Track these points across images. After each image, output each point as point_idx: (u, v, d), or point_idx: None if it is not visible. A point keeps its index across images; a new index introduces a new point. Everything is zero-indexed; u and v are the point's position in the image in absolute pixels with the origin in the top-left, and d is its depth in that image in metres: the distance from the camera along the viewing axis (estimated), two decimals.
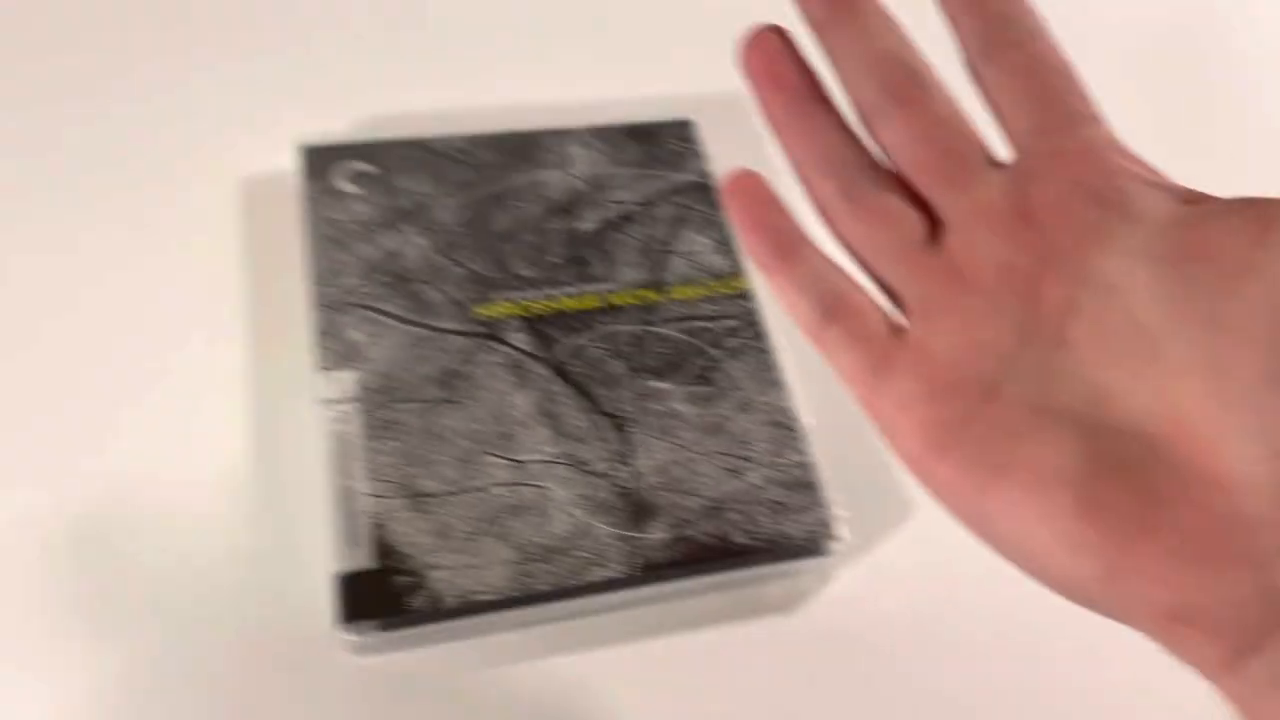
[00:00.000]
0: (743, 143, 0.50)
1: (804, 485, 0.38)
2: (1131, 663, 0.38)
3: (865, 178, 0.25)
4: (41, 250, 0.42)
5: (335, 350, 0.39)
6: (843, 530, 0.37)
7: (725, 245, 0.44)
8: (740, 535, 0.36)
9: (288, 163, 0.45)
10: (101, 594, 0.34)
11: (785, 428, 0.39)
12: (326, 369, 0.38)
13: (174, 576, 0.35)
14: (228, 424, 0.38)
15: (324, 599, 0.34)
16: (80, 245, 0.42)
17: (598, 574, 0.35)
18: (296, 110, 0.47)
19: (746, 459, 0.38)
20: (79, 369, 0.39)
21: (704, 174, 0.46)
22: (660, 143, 0.47)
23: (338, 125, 0.47)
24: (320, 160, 0.44)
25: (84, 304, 0.41)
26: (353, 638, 0.33)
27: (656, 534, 0.36)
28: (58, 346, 0.39)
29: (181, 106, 0.47)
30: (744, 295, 0.43)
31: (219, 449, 0.38)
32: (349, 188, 0.43)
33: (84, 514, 0.36)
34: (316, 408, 0.37)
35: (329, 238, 0.41)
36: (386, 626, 0.33)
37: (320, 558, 0.35)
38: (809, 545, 0.37)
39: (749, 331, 0.42)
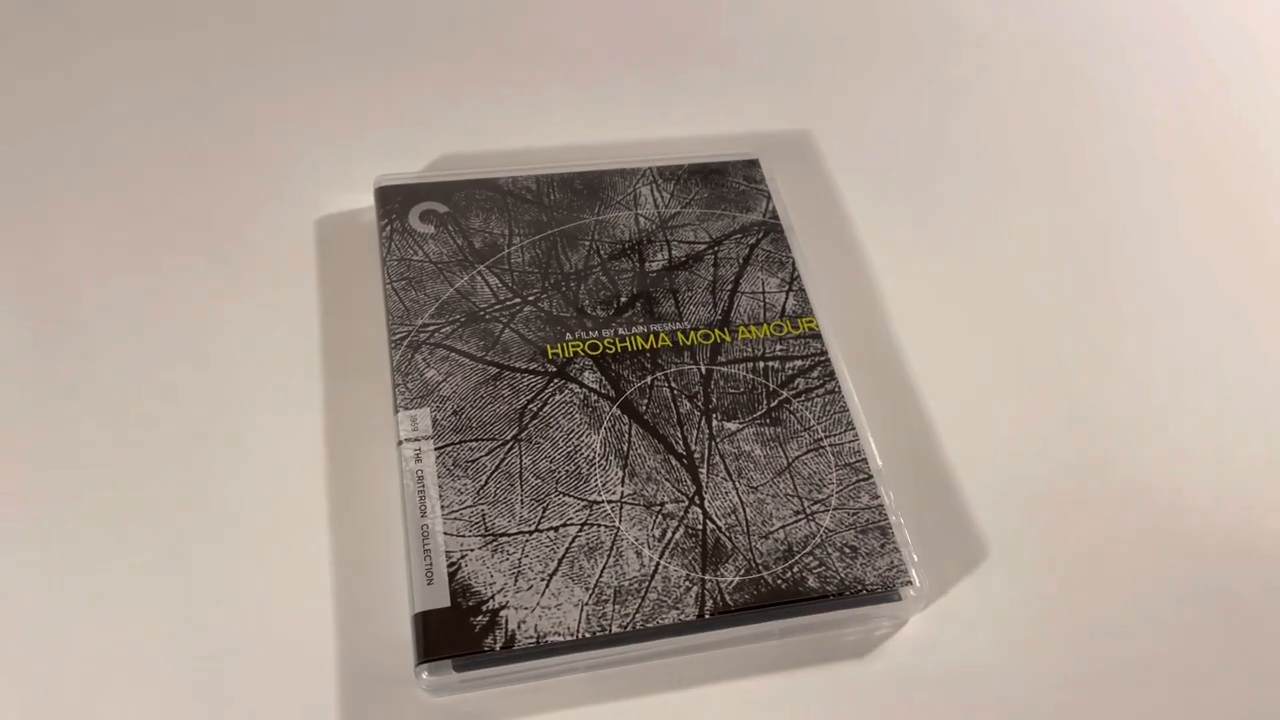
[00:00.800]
0: (810, 181, 0.50)
1: (876, 529, 0.38)
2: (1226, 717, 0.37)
3: None
4: (122, 281, 0.43)
5: (411, 389, 0.39)
6: (916, 575, 0.37)
7: (793, 285, 0.44)
8: (813, 579, 0.36)
9: (363, 202, 0.46)
10: (185, 626, 0.35)
11: (856, 470, 0.39)
12: (403, 407, 0.39)
13: (254, 614, 0.35)
14: (307, 462, 0.39)
15: (404, 639, 0.35)
16: (160, 279, 0.43)
17: (670, 616, 0.35)
18: (373, 151, 0.48)
19: (818, 501, 0.38)
20: (155, 402, 0.40)
21: (771, 213, 0.46)
22: (727, 182, 0.47)
23: (413, 164, 0.48)
24: (395, 200, 0.44)
25: (163, 337, 0.42)
26: (428, 677, 0.33)
27: (728, 576, 0.36)
28: (133, 380, 0.40)
29: (261, 147, 0.48)
30: (813, 335, 0.43)
31: (298, 487, 0.38)
32: (422, 227, 0.44)
33: (163, 549, 0.37)
34: (394, 446, 0.38)
35: (404, 276, 0.42)
36: (461, 666, 0.34)
37: (400, 597, 0.36)
38: (882, 590, 0.36)
39: (818, 372, 0.42)
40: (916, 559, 0.37)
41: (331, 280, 0.44)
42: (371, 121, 0.50)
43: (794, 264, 0.45)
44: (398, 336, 0.40)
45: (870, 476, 0.39)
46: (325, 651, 0.35)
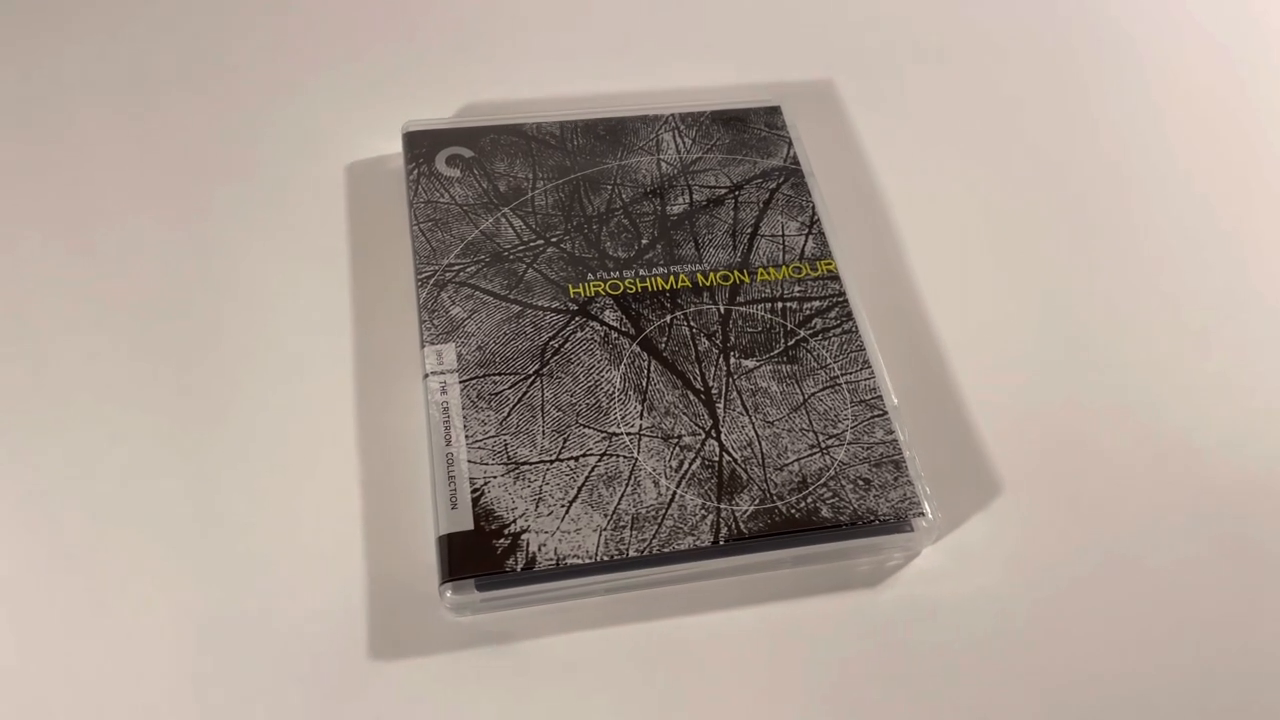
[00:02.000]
0: (831, 127, 0.50)
1: (890, 462, 0.38)
2: (1226, 652, 0.37)
3: None
4: (156, 222, 0.44)
5: (437, 325, 0.40)
6: (928, 507, 0.38)
7: (813, 229, 0.45)
8: (826, 509, 0.37)
9: (393, 148, 0.47)
10: (219, 550, 0.37)
11: (871, 406, 0.40)
12: (429, 343, 0.40)
13: (286, 532, 0.37)
14: (338, 394, 0.40)
15: (429, 561, 0.36)
16: (194, 221, 0.45)
17: (685, 542, 0.36)
18: (401, 98, 0.49)
19: (833, 436, 0.39)
20: (190, 338, 0.41)
21: (792, 159, 0.47)
22: (749, 128, 0.48)
23: (440, 112, 0.49)
24: (422, 145, 0.46)
25: (198, 276, 0.43)
26: (451, 595, 0.35)
27: (743, 506, 0.37)
28: (167, 317, 0.42)
29: (294, 95, 0.49)
30: (831, 277, 0.43)
31: (329, 417, 0.40)
32: (449, 171, 0.45)
33: (201, 481, 0.38)
34: (421, 380, 0.39)
35: (430, 218, 0.43)
36: (483, 586, 0.35)
37: (426, 522, 0.37)
38: (894, 521, 0.37)
39: (835, 312, 0.42)
40: (929, 492, 0.38)
41: (361, 223, 0.45)
42: (402, 70, 0.51)
43: (814, 208, 0.45)
44: (424, 275, 0.42)
45: (885, 413, 0.40)
46: (354, 570, 0.36)
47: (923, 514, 0.37)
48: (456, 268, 0.42)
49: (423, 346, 0.40)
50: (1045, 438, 0.42)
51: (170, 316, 0.42)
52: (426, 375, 0.39)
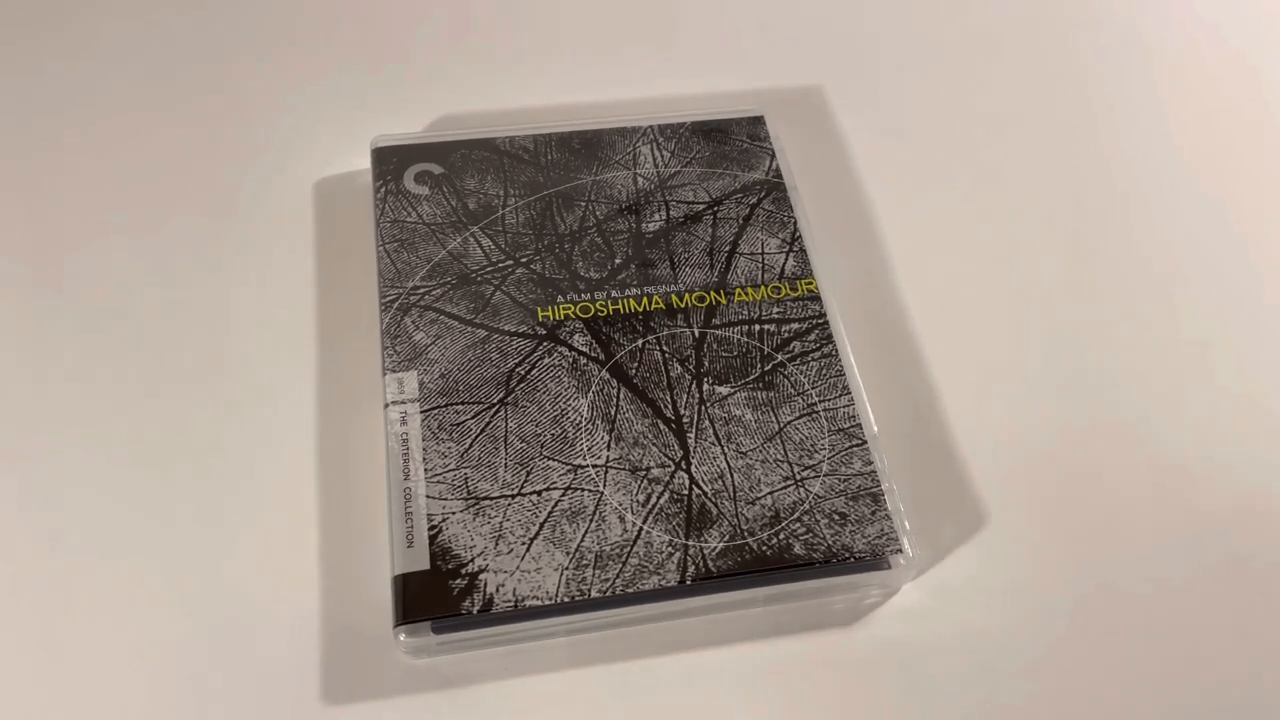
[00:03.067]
0: (818, 140, 0.49)
1: (868, 495, 0.37)
2: (1230, 695, 0.36)
3: None
4: (120, 240, 0.43)
5: (399, 351, 0.39)
6: (906, 543, 0.36)
7: (794, 246, 0.43)
8: (799, 546, 0.36)
9: (362, 164, 0.45)
10: (170, 587, 0.36)
11: (850, 435, 0.38)
12: (390, 370, 0.38)
13: (238, 570, 0.36)
14: (299, 422, 0.39)
15: (385, 601, 0.35)
16: (157, 240, 0.44)
17: (651, 581, 0.35)
18: (374, 111, 0.48)
19: (809, 467, 0.37)
20: (148, 362, 0.40)
21: (775, 172, 0.45)
22: (730, 140, 0.46)
23: (415, 125, 0.48)
24: (391, 161, 0.44)
25: (158, 297, 0.42)
26: (405, 639, 0.33)
27: (712, 542, 0.35)
28: (126, 338, 0.41)
29: (262, 109, 0.48)
30: (812, 298, 0.42)
31: (288, 447, 0.38)
32: (417, 188, 0.44)
33: (154, 513, 0.37)
34: (382, 409, 0.38)
35: (397, 238, 0.42)
36: (439, 629, 0.34)
37: (384, 559, 0.36)
38: (871, 558, 0.36)
39: (815, 335, 0.41)
40: (908, 526, 0.36)
41: (328, 242, 0.44)
42: (375, 81, 0.50)
43: (795, 224, 0.44)
44: (388, 299, 0.40)
45: (864, 442, 0.38)
46: (309, 608, 0.35)
47: (900, 550, 0.36)
48: (422, 290, 0.41)
49: (384, 374, 0.39)
50: (1035, 466, 0.40)
51: (127, 338, 0.41)
52: (387, 404, 0.38)
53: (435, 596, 0.34)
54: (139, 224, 0.44)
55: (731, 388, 0.39)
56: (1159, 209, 0.48)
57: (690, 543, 0.35)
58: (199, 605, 0.35)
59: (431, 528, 0.35)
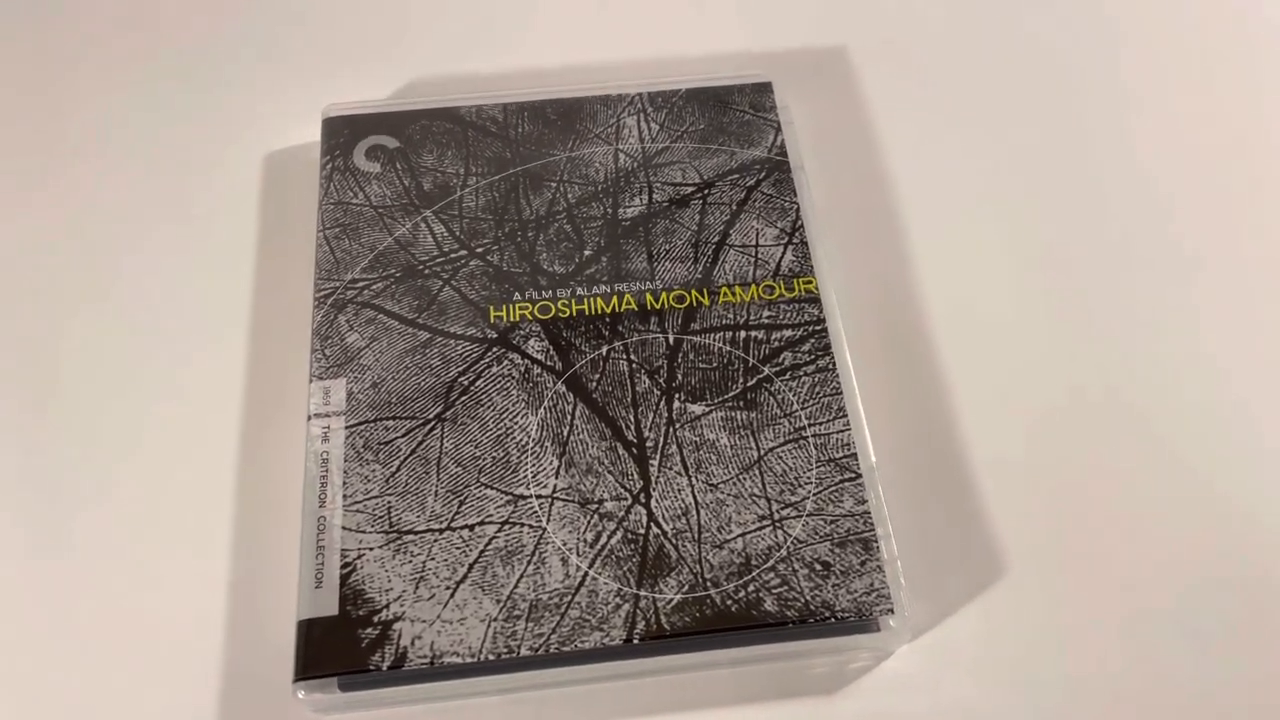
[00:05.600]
0: (834, 110, 0.42)
1: (858, 541, 0.31)
2: None
3: None
4: (38, 221, 0.39)
5: (329, 355, 0.34)
6: (901, 600, 0.30)
7: (794, 237, 0.37)
8: (770, 601, 0.30)
9: (316, 135, 0.41)
10: (58, 610, 0.32)
11: (843, 467, 0.32)
12: (317, 377, 0.34)
13: (136, 603, 0.32)
14: (218, 434, 0.35)
15: (290, 648, 0.30)
16: (80, 220, 0.39)
17: (591, 639, 0.30)
18: (335, 75, 0.43)
19: (790, 505, 0.32)
20: (62, 356, 0.36)
21: (779, 149, 0.39)
22: (730, 110, 0.40)
23: (381, 90, 0.43)
24: (342, 133, 0.39)
25: (81, 275, 0.38)
26: (304, 695, 0.29)
27: (667, 593, 0.30)
28: (41, 320, 0.37)
29: (210, 72, 0.43)
30: (811, 300, 0.36)
31: (205, 462, 0.34)
32: (367, 165, 0.39)
33: (48, 530, 0.33)
34: (305, 422, 0.33)
35: (339, 223, 0.37)
36: (347, 685, 0.29)
37: (294, 598, 0.31)
38: (856, 618, 0.30)
39: (810, 345, 0.35)
40: (904, 582, 0.31)
41: (273, 224, 0.39)
42: (338, 42, 0.45)
43: (798, 212, 0.38)
44: (322, 294, 0.36)
45: (858, 476, 0.32)
46: (211, 655, 0.31)
47: (891, 610, 0.30)
48: (361, 284, 0.36)
49: (310, 381, 0.34)
50: (1065, 510, 0.34)
51: (41, 321, 0.37)
52: (310, 417, 0.33)
53: (341, 648, 0.29)
54: (65, 195, 0.40)
55: (707, 406, 0.34)
56: (1226, 215, 0.40)
57: (642, 593, 0.30)
58: (90, 639, 0.31)
59: (344, 565, 0.31)
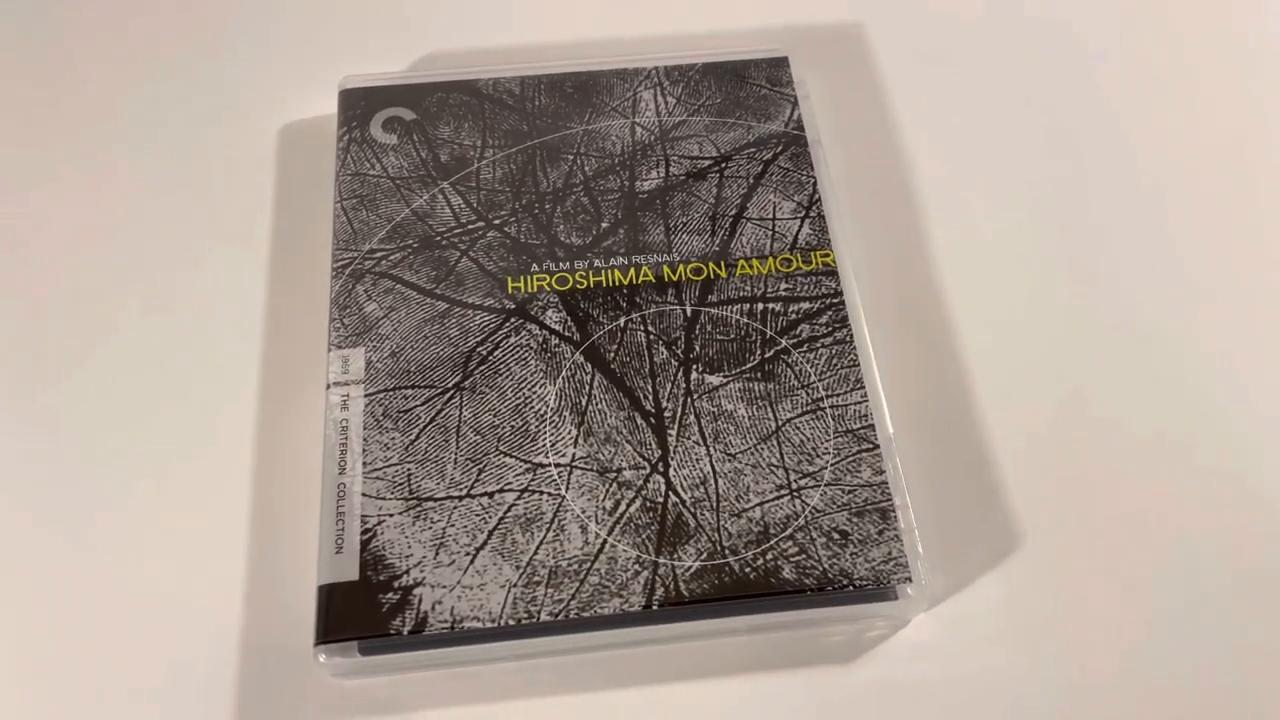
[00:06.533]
0: (851, 83, 0.42)
1: (875, 511, 0.31)
2: None
3: None
4: (55, 201, 0.39)
5: (347, 324, 0.34)
6: (918, 569, 0.30)
7: (811, 211, 0.37)
8: (789, 570, 0.30)
9: (333, 107, 0.41)
10: (78, 584, 0.32)
11: (861, 438, 0.33)
12: (336, 346, 0.34)
13: (157, 570, 0.32)
14: (236, 402, 0.35)
15: (311, 612, 0.30)
16: (97, 196, 0.39)
17: (610, 605, 0.30)
18: (352, 46, 0.43)
19: (808, 475, 0.32)
20: (83, 334, 0.36)
21: (796, 123, 0.39)
22: (747, 84, 0.40)
23: (398, 63, 0.43)
24: (359, 105, 0.39)
25: (96, 263, 0.38)
26: (325, 660, 0.29)
27: (686, 561, 0.30)
28: (64, 297, 0.37)
29: (224, 44, 0.43)
30: (828, 272, 0.36)
31: (223, 429, 0.34)
32: (384, 137, 0.39)
33: (68, 501, 0.33)
34: (324, 390, 0.34)
35: (357, 194, 0.37)
36: (367, 650, 0.29)
37: (314, 565, 0.31)
38: (873, 586, 0.30)
39: (827, 317, 0.35)
40: (922, 550, 0.31)
41: (290, 197, 0.40)
42: (355, 12, 0.45)
43: (815, 185, 0.38)
44: (340, 264, 0.36)
45: (876, 446, 0.32)
46: (230, 617, 0.31)
47: (909, 578, 0.30)
48: (379, 255, 0.36)
49: (329, 350, 0.34)
50: (1083, 481, 0.34)
51: (60, 300, 0.37)
52: (329, 385, 0.33)
53: (362, 612, 0.30)
54: (82, 169, 0.40)
55: (724, 377, 0.34)
56: (1255, 185, 0.40)
57: (661, 560, 0.30)
58: (110, 611, 0.31)
59: (365, 531, 0.31)
